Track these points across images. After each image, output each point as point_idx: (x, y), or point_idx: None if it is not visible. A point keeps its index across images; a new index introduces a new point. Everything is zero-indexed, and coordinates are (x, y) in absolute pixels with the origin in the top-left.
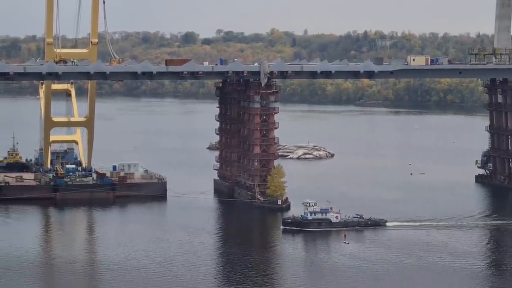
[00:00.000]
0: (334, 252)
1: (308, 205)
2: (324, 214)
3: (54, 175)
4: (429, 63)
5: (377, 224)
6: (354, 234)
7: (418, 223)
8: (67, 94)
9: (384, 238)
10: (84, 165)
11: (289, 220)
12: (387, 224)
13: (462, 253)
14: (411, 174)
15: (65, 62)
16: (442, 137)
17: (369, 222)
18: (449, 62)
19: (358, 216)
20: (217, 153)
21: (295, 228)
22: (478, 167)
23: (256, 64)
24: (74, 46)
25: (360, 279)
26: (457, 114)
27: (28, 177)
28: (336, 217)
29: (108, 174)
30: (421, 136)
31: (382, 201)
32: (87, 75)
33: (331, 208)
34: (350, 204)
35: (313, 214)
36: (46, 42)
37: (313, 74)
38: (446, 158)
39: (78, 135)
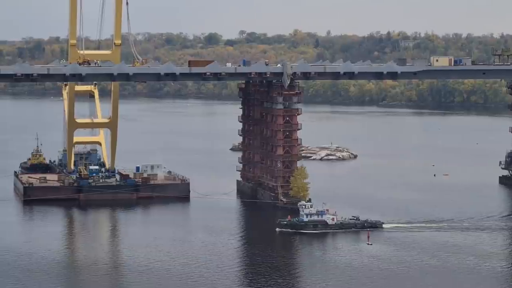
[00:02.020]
0: (357, 254)
1: (304, 207)
2: (320, 216)
3: (78, 176)
4: (452, 64)
5: (373, 226)
6: (353, 235)
7: (414, 225)
8: (91, 95)
9: (409, 240)
10: (107, 166)
11: (285, 222)
12: (384, 226)
13: (485, 255)
14: (434, 175)
15: (88, 63)
16: (466, 138)
17: (365, 224)
18: (473, 63)
19: (355, 218)
20: (240, 154)
21: (291, 230)
22: (502, 168)
23: (279, 65)
24: (98, 48)
25: (385, 281)
26: (480, 115)
27: (52, 178)
28: (333, 219)
29: (131, 175)
30: (444, 137)
31: (402, 202)
32: (110, 77)
33: (327, 210)
34: (371, 204)
35: (309, 216)
36: (70, 43)
37: (336, 75)
38: (469, 159)
39: (102, 136)
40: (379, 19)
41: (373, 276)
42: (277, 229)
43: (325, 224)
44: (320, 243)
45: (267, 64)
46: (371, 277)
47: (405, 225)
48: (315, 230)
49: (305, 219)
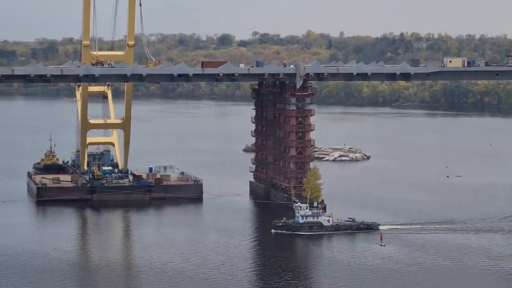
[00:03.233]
0: (370, 255)
1: (299, 208)
2: (315, 217)
3: (91, 177)
4: (465, 65)
5: (369, 228)
6: (347, 237)
7: (411, 226)
8: (104, 96)
9: (422, 241)
10: (120, 167)
11: (280, 224)
12: (380, 227)
13: (499, 257)
14: (447, 176)
15: (101, 64)
16: (479, 139)
17: (361, 226)
18: (486, 64)
19: (350, 220)
20: (253, 155)
21: (286, 232)
22: None
23: (292, 66)
24: (111, 49)
25: (400, 282)
26: (494, 116)
27: (65, 179)
28: (328, 220)
29: (144, 176)
30: (457, 138)
31: (415, 203)
32: (123, 77)
33: (322, 211)
34: (382, 205)
35: (304, 218)
36: (83, 44)
37: (349, 76)
38: (483, 161)
39: (115, 137)
40: (392, 20)
41: (387, 277)
42: (272, 231)
43: (320, 225)
44: (332, 245)
45: (284, 65)
46: (385, 278)
47: (402, 226)
48: (311, 231)
49: (301, 220)
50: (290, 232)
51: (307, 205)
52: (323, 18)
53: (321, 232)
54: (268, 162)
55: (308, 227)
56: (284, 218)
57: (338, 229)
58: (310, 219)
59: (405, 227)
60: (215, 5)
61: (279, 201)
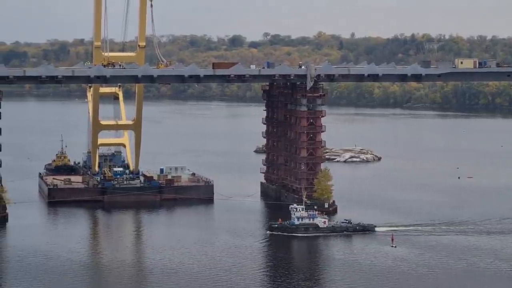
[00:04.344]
0: (382, 256)
1: (295, 210)
2: (311, 219)
3: (102, 178)
4: (477, 66)
5: (365, 230)
6: (345, 239)
7: (409, 228)
8: (115, 97)
9: (432, 243)
10: (131, 168)
11: (276, 225)
12: (376, 229)
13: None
14: (458, 177)
15: (113, 65)
16: (490, 140)
17: (357, 228)
18: (497, 65)
19: (347, 222)
20: (264, 156)
21: (281, 234)
22: None
23: (303, 67)
24: (122, 50)
25: (411, 284)
26: (505, 117)
27: (76, 180)
28: (324, 222)
29: (155, 177)
30: (469, 139)
31: (426, 204)
32: (134, 79)
33: (318, 213)
34: (392, 207)
35: (300, 219)
36: (94, 45)
37: (360, 77)
38: (494, 162)
39: (126, 138)
40: (404, 21)
41: (400, 279)
42: (268, 232)
43: (316, 227)
44: (341, 246)
45: (300, 66)
46: (397, 280)
47: (400, 228)
48: (307, 233)
49: (296, 222)
50: (286, 234)
51: (303, 206)
52: (334, 19)
53: (316, 234)
54: (279, 163)
55: (304, 229)
56: (280, 219)
57: (334, 230)
58: (306, 221)
59: (404, 228)
60: (226, 6)
61: (290, 202)
